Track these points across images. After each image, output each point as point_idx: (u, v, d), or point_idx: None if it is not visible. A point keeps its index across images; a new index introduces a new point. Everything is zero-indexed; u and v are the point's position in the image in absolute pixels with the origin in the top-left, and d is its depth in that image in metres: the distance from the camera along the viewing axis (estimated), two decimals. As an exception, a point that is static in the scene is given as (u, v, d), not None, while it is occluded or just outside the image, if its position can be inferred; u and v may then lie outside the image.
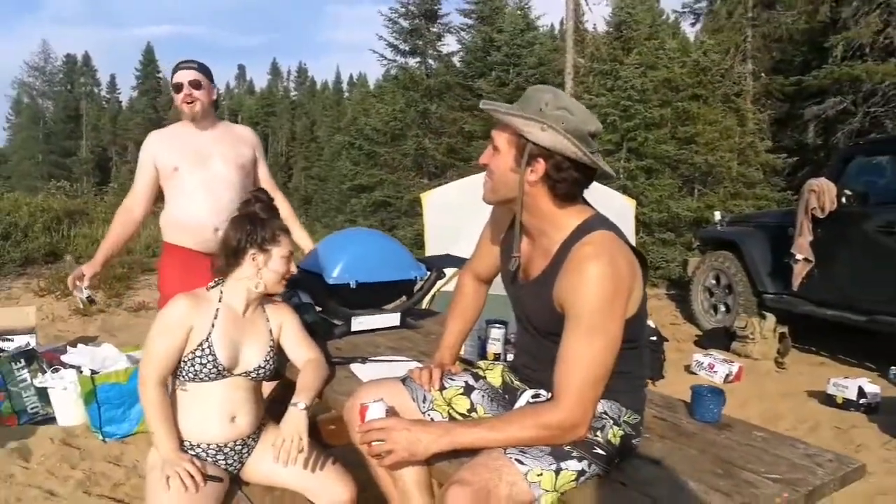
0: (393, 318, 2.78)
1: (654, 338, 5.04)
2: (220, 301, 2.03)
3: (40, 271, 8.05)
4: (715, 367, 5.01)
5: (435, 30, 18.47)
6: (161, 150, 2.87)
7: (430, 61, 18.45)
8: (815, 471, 1.59)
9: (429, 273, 2.82)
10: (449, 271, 3.23)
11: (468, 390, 1.83)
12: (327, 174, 34.48)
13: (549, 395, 1.58)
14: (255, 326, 2.09)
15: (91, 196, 14.86)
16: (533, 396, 1.67)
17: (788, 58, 16.43)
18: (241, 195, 2.74)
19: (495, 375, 1.88)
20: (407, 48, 18.40)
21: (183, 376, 1.98)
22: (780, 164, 13.40)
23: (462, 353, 2.22)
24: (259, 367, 2.06)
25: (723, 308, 6.57)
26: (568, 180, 1.55)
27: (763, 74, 15.56)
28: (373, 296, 2.72)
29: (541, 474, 1.43)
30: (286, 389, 2.27)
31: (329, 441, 2.40)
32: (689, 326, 6.95)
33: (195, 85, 2.83)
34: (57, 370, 3.77)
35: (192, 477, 1.85)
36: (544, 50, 17.87)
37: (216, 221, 2.77)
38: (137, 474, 3.18)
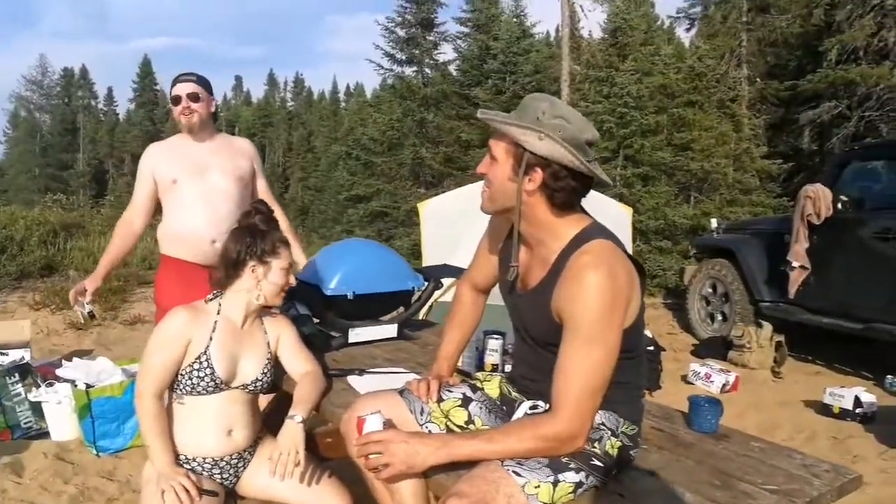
0: (390, 330, 2.76)
1: (651, 347, 5.03)
2: (218, 313, 2.03)
3: (36, 285, 8.01)
4: (712, 377, 5.00)
5: (431, 38, 18.55)
6: (160, 163, 2.87)
7: (427, 70, 18.52)
8: (811, 482, 1.58)
9: (426, 283, 2.81)
10: (446, 281, 3.22)
11: (466, 402, 1.82)
12: (324, 184, 34.53)
13: (547, 406, 1.57)
14: (252, 339, 2.08)
15: (88, 209, 14.84)
16: (531, 408, 1.66)
17: (783, 62, 16.52)
18: (240, 207, 2.74)
19: (493, 387, 1.87)
20: (403, 57, 18.48)
21: (180, 389, 1.97)
22: (775, 169, 13.45)
23: (459, 364, 2.21)
24: (257, 379, 2.05)
25: (719, 317, 6.55)
26: (566, 189, 1.55)
27: (758, 79, 15.64)
28: (370, 307, 2.71)
29: (538, 486, 1.42)
30: (282, 402, 2.27)
31: (326, 454, 2.39)
32: (685, 336, 6.93)
33: (193, 98, 2.83)
34: (51, 384, 3.75)
35: (187, 491, 1.83)
36: (540, 57, 17.96)
37: (214, 233, 2.77)
38: (131, 489, 3.15)
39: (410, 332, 2.86)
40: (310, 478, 2.01)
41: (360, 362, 2.46)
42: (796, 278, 5.56)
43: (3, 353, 4.19)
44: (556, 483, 1.44)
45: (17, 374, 3.76)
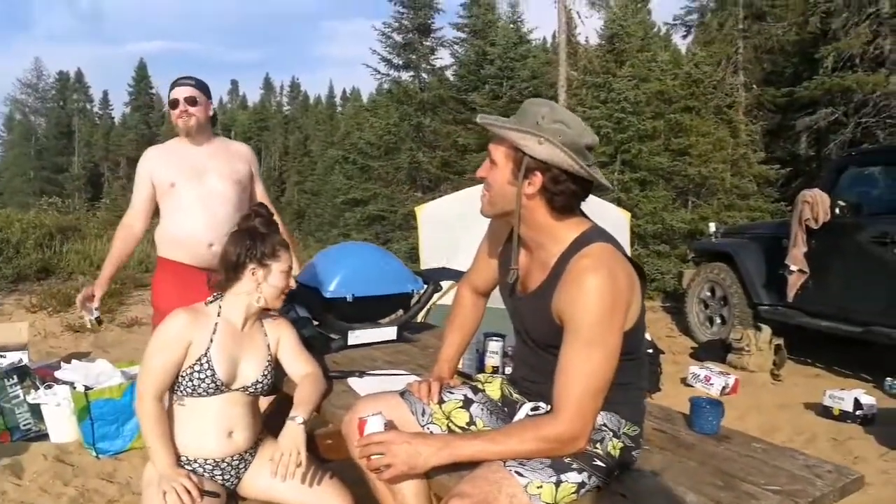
0: (390, 332, 2.77)
1: (651, 350, 5.03)
2: (218, 316, 2.03)
3: (32, 288, 8.01)
4: (711, 380, 5.01)
5: (428, 44, 18.57)
6: (158, 166, 2.88)
7: (424, 75, 18.53)
8: (814, 482, 1.59)
9: (425, 286, 2.82)
10: (445, 284, 3.23)
11: (467, 403, 1.82)
12: (320, 188, 34.53)
13: (549, 407, 1.57)
14: (253, 341, 2.08)
15: (83, 212, 14.82)
16: (532, 409, 1.66)
17: (779, 69, 16.59)
18: (238, 211, 2.75)
19: (494, 388, 1.87)
20: (400, 62, 18.49)
21: (181, 391, 1.97)
22: (773, 175, 13.49)
23: (460, 366, 2.21)
24: (257, 381, 2.05)
25: (718, 320, 6.57)
26: (565, 193, 1.55)
27: (755, 86, 15.70)
28: (370, 309, 2.71)
29: (541, 486, 1.43)
30: (283, 404, 2.26)
31: (326, 456, 2.39)
32: (684, 339, 6.94)
33: (190, 102, 2.83)
34: (50, 386, 3.74)
35: (188, 492, 1.83)
36: (537, 63, 17.98)
37: (211, 237, 2.77)
38: (131, 491, 3.15)
39: (410, 334, 2.87)
40: (311, 478, 2.01)
41: (360, 364, 2.46)
42: (795, 282, 5.58)
43: (1, 356, 4.18)
44: (558, 483, 1.45)
45: (15, 376, 3.75)
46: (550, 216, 1.59)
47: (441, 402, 1.81)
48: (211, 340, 1.98)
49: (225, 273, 2.04)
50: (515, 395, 1.80)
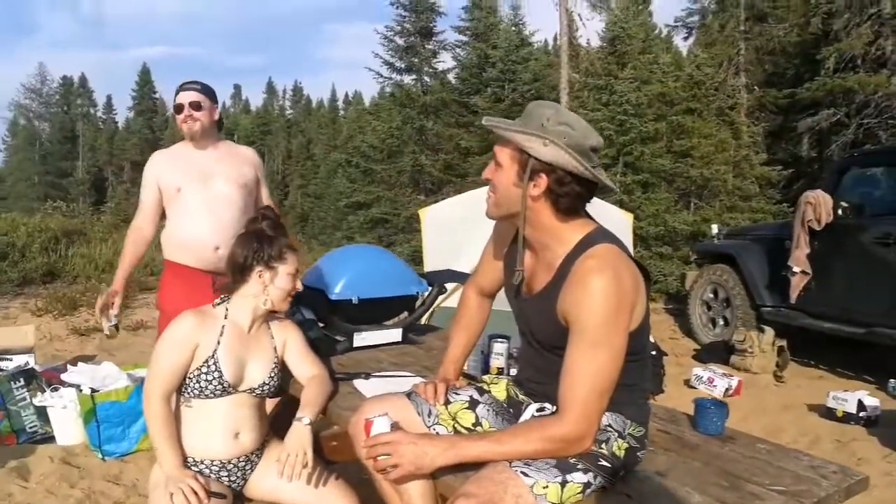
0: (395, 334, 2.78)
1: (654, 352, 5.04)
2: (225, 318, 2.04)
3: (38, 291, 8.04)
4: (714, 381, 5.01)
5: (430, 47, 18.56)
6: (164, 171, 2.89)
7: (426, 78, 18.53)
8: (819, 482, 1.60)
9: (430, 288, 2.83)
10: (450, 286, 3.24)
11: (473, 404, 1.83)
12: (323, 191, 34.54)
13: (554, 408, 1.58)
14: (259, 343, 2.10)
15: (88, 216, 14.86)
16: (538, 410, 1.67)
17: (781, 70, 16.58)
18: (244, 214, 2.77)
19: (500, 389, 1.88)
20: (403, 65, 18.48)
21: (188, 392, 1.98)
22: (775, 176, 13.49)
23: (465, 368, 2.22)
24: (264, 383, 2.06)
25: (721, 322, 6.57)
26: (570, 194, 1.57)
27: (756, 87, 15.69)
28: (375, 311, 2.73)
29: (546, 487, 1.44)
30: (289, 405, 2.28)
31: (331, 457, 2.40)
32: (687, 340, 6.94)
33: (195, 106, 2.85)
34: (56, 389, 3.76)
35: (195, 493, 1.84)
36: (539, 65, 17.99)
37: (217, 240, 2.79)
38: (137, 493, 3.16)
39: (415, 336, 2.88)
40: (317, 479, 2.02)
41: (365, 366, 2.48)
42: (797, 283, 5.59)
43: (8, 359, 4.20)
44: (564, 483, 1.45)
45: (21, 379, 3.77)
46: (555, 218, 1.60)
47: (447, 402, 1.83)
48: (218, 342, 1.99)
49: (232, 275, 2.06)
50: (521, 396, 1.81)
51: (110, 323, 2.84)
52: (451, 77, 18.86)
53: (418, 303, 2.85)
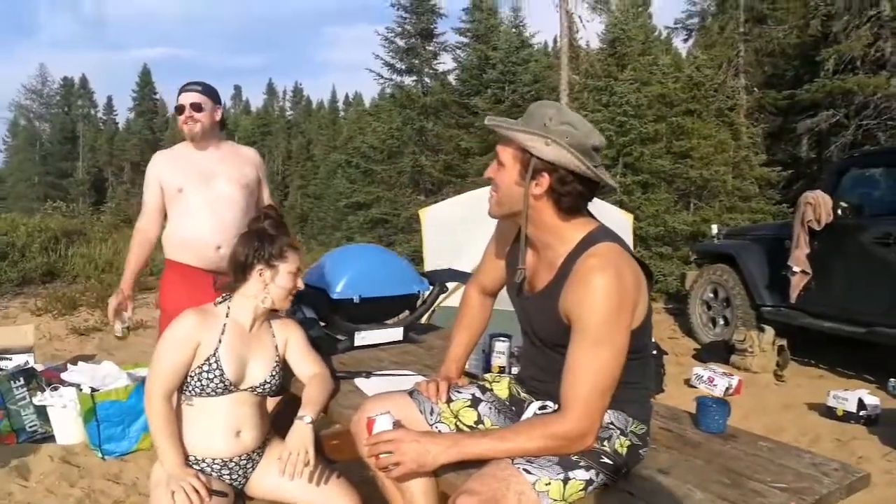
0: (396, 333, 2.78)
1: (654, 351, 5.04)
2: (227, 316, 2.04)
3: (37, 291, 8.04)
4: (715, 381, 5.01)
5: (431, 49, 18.59)
6: (165, 171, 2.90)
7: (427, 79, 18.56)
8: (821, 480, 1.60)
9: (431, 287, 2.83)
10: (450, 285, 3.24)
11: (475, 402, 1.83)
12: (323, 192, 34.56)
13: (556, 406, 1.58)
14: (261, 342, 2.10)
15: (88, 216, 14.85)
16: (540, 408, 1.67)
17: (780, 72, 16.61)
18: (245, 214, 2.77)
19: (502, 387, 1.88)
20: (403, 67, 18.51)
21: (189, 391, 1.98)
22: (774, 177, 13.50)
23: (466, 367, 2.22)
24: (265, 382, 2.06)
25: (721, 321, 6.57)
26: (572, 193, 1.57)
27: (756, 89, 15.71)
28: (376, 310, 2.73)
29: (549, 484, 1.44)
30: (290, 404, 2.28)
31: (332, 457, 2.40)
32: (687, 340, 6.95)
33: (196, 108, 2.85)
34: (56, 388, 3.76)
35: (197, 492, 1.85)
36: (539, 67, 18.00)
37: (219, 240, 2.79)
38: (137, 492, 3.16)
39: (416, 335, 2.88)
40: (318, 478, 2.02)
41: (366, 365, 2.48)
42: (797, 283, 5.59)
43: (7, 358, 4.20)
44: (566, 481, 1.46)
45: (21, 379, 3.77)
46: (557, 217, 1.60)
47: (449, 401, 1.83)
48: (219, 341, 1.99)
49: (233, 274, 2.06)
50: (523, 395, 1.81)
51: (123, 325, 2.85)
52: (451, 78, 18.91)
53: (419, 302, 2.85)
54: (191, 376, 1.97)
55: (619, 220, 6.09)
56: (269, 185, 3.20)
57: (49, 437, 3.73)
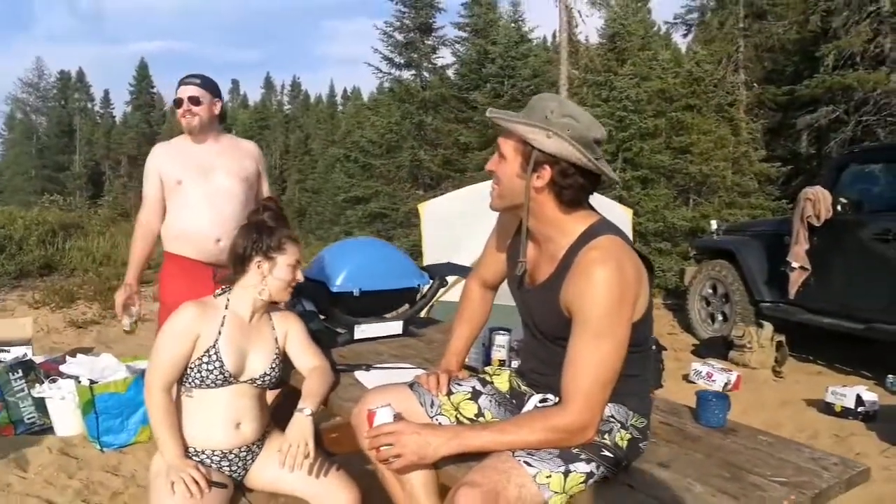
0: (396, 327, 2.78)
1: (653, 347, 5.04)
2: (226, 308, 2.04)
3: (35, 284, 8.04)
4: (713, 376, 5.02)
5: (430, 43, 18.58)
6: (165, 163, 2.89)
7: (426, 74, 18.54)
8: (820, 474, 1.60)
9: (431, 281, 2.83)
10: (450, 279, 3.24)
11: (476, 395, 1.83)
12: (321, 186, 34.49)
13: (557, 399, 1.58)
14: (260, 334, 2.09)
15: (86, 209, 14.83)
16: (541, 401, 1.67)
17: (780, 67, 16.60)
18: (245, 207, 2.76)
19: (503, 380, 1.89)
20: (402, 61, 18.50)
21: (189, 383, 1.98)
22: (774, 173, 13.51)
23: (466, 360, 2.22)
24: (265, 374, 2.06)
25: (720, 317, 6.57)
26: (574, 186, 1.57)
27: (755, 84, 15.69)
28: (376, 304, 2.72)
29: (549, 476, 1.44)
30: (289, 396, 2.27)
31: (331, 449, 2.39)
32: (686, 336, 6.95)
33: (194, 101, 2.84)
34: (54, 380, 3.75)
35: (196, 483, 1.85)
36: (538, 61, 17.99)
37: (218, 232, 2.79)
38: (136, 483, 3.16)
39: (416, 328, 2.88)
40: (318, 470, 2.02)
41: (366, 358, 2.47)
42: (796, 279, 5.59)
43: (5, 351, 4.20)
44: (567, 473, 1.46)
45: (20, 371, 3.77)
46: (559, 209, 1.60)
47: (450, 393, 1.83)
48: (219, 333, 1.99)
49: (232, 266, 2.06)
50: (524, 387, 1.81)
51: (131, 319, 2.85)
52: (450, 73, 18.90)
53: (419, 295, 2.85)
54: (190, 368, 1.97)
55: (618, 215, 6.09)
56: (267, 179, 3.20)
57: (48, 429, 3.73)
